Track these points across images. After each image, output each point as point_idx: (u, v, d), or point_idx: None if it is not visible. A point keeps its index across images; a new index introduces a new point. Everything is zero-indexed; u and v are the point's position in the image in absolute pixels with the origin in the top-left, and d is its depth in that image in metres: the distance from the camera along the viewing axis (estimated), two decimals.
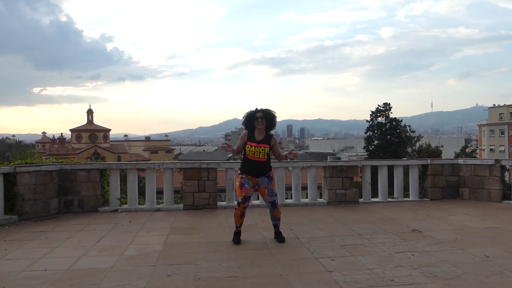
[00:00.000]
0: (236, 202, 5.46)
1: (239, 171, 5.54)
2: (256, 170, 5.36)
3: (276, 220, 5.57)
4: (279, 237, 5.52)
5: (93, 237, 5.85)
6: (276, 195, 5.49)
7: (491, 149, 64.96)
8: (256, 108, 5.45)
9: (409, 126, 42.05)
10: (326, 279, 4.06)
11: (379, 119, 40.68)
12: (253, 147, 5.30)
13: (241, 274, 4.23)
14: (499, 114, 65.73)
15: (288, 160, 5.77)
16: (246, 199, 5.36)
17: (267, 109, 5.45)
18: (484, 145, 67.76)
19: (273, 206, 5.45)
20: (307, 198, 8.66)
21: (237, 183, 5.43)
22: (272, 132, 5.55)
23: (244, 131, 5.48)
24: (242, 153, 5.47)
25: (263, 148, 5.31)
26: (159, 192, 8.23)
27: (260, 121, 5.32)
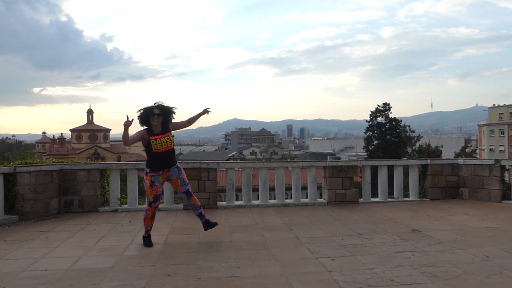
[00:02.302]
0: (146, 203, 5.31)
1: (147, 170, 5.31)
2: (167, 162, 5.28)
3: (197, 209, 5.51)
4: (209, 224, 5.52)
5: (93, 237, 5.85)
6: (188, 183, 5.46)
7: (491, 149, 64.95)
8: (154, 104, 5.30)
9: (409, 126, 42.07)
10: (326, 279, 4.06)
11: (379, 119, 40.71)
12: (158, 139, 5.20)
13: (241, 274, 4.23)
14: (499, 114, 65.72)
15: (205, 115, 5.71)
16: (157, 197, 5.29)
17: (164, 105, 5.34)
18: (484, 145, 67.76)
19: (188, 195, 5.43)
20: (307, 198, 8.66)
21: (147, 182, 5.26)
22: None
23: (142, 130, 5.28)
24: (147, 152, 5.31)
25: (168, 137, 5.29)
26: None
27: (156, 118, 5.23)
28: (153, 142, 5.20)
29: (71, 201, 7.78)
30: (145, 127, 5.32)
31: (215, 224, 5.59)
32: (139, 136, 5.28)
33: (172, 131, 5.41)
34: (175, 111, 5.44)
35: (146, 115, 5.25)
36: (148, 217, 5.30)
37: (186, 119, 5.66)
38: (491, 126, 66.53)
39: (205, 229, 5.59)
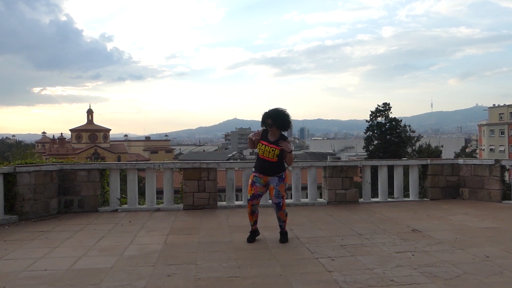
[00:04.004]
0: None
1: (253, 169, 5.60)
2: (265, 169, 5.41)
3: (281, 221, 5.56)
4: (281, 238, 5.53)
5: (93, 237, 5.85)
6: (283, 197, 5.44)
7: (491, 149, 64.96)
8: (267, 112, 5.39)
9: (409, 126, 42.05)
10: (326, 279, 4.06)
11: (379, 119, 40.69)
12: (263, 145, 5.35)
13: (241, 274, 4.23)
14: (499, 114, 65.73)
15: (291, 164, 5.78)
16: (255, 196, 5.38)
17: (277, 111, 5.37)
18: (484, 145, 67.77)
19: (278, 207, 5.40)
20: (307, 198, 8.66)
21: (250, 181, 5.50)
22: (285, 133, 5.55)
23: (262, 128, 5.49)
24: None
25: (273, 149, 5.32)
26: (159, 192, 8.22)
27: (270, 128, 5.35)
28: (259, 145, 5.39)
29: (71, 201, 7.78)
30: (266, 128, 5.43)
31: (284, 241, 5.46)
32: (258, 135, 5.43)
33: (280, 149, 5.33)
34: (290, 120, 5.39)
35: (263, 120, 5.39)
36: (248, 214, 5.45)
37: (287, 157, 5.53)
38: (491, 126, 66.54)
39: (280, 240, 5.50)
